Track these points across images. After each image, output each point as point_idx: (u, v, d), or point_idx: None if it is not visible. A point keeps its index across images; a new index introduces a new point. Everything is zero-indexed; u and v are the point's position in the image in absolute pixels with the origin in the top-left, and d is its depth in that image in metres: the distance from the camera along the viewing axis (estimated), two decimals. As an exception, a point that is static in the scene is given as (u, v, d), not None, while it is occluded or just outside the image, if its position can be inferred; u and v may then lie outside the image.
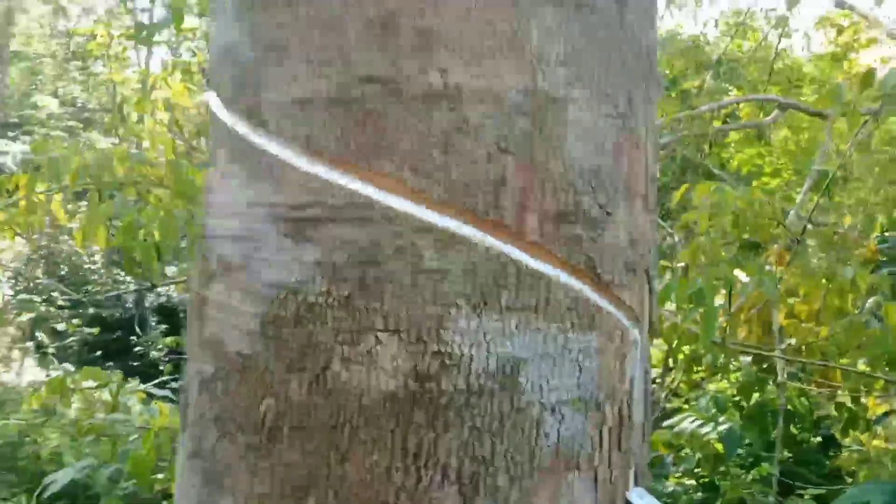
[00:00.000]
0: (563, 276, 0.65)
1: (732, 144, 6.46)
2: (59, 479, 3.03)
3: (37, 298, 9.87)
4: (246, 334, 0.67)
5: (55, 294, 9.21)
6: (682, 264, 2.85)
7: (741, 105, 5.17)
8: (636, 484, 0.78)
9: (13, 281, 9.51)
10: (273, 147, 0.64)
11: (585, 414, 0.67)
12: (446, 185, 0.61)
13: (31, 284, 9.71)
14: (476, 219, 0.62)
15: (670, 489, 3.40)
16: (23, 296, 9.82)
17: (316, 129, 0.63)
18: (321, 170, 0.62)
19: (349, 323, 0.62)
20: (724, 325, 2.66)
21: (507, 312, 0.63)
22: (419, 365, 0.61)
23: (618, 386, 0.70)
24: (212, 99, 0.73)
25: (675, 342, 2.74)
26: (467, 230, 0.61)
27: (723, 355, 2.83)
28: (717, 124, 4.73)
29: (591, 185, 0.66)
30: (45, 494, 3.04)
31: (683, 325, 2.48)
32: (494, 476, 0.63)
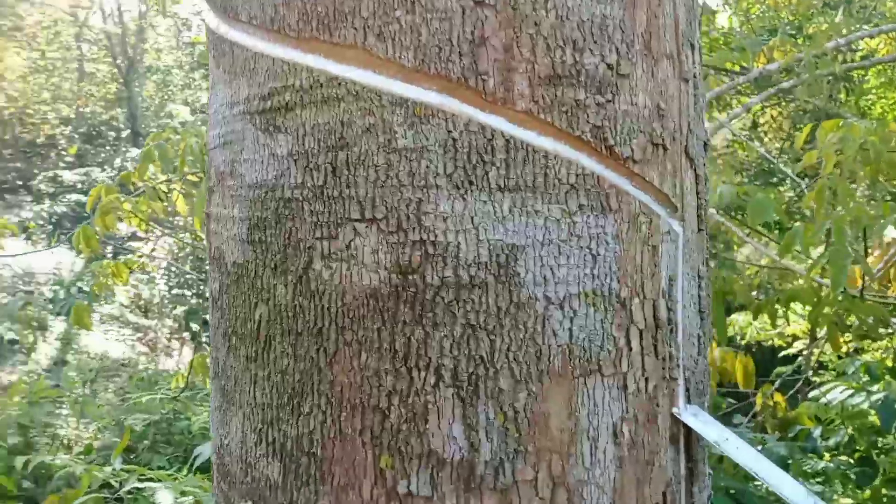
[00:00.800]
0: (565, 150, 0.56)
1: (873, 91, 5.70)
2: (205, 451, 3.30)
3: (187, 292, 10.87)
4: (238, 243, 0.64)
5: (203, 287, 10.08)
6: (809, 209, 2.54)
7: (878, 45, 4.52)
8: (689, 402, 0.67)
9: (166, 277, 10.53)
10: (243, 37, 0.60)
11: (605, 311, 0.58)
12: (416, 50, 0.54)
13: (182, 279, 10.69)
14: (453, 86, 0.54)
15: (821, 466, 3.09)
16: (175, 291, 10.86)
17: (280, 8, 0.58)
18: (285, 51, 0.57)
19: (326, 216, 0.57)
20: (859, 275, 2.34)
21: (498, 193, 0.55)
22: (401, 257, 0.55)
23: (647, 282, 0.60)
24: (205, 10, 0.71)
25: (815, 303, 2.45)
26: (443, 100, 0.54)
27: (871, 318, 2.50)
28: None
29: (594, 39, 0.56)
30: (197, 464, 3.32)
31: (822, 288, 2.21)
32: (496, 378, 0.56)
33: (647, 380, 0.61)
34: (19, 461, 3.34)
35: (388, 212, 0.55)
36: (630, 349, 0.59)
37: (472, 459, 0.56)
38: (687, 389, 0.66)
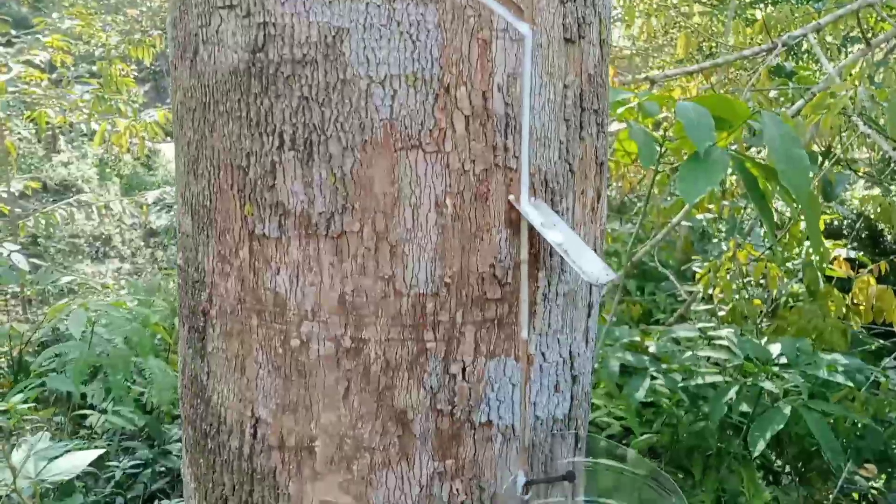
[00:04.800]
0: (385, -60, 0.63)
1: None
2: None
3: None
4: (171, 41, 0.79)
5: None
6: None
7: None
8: (535, 197, 0.74)
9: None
10: None
11: (426, 93, 0.66)
12: None
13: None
14: None
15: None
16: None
17: None
18: None
19: (203, 6, 0.70)
20: None
21: (326, -20, 0.64)
22: (251, 38, 0.67)
23: (477, 73, 0.67)
24: None
25: None
26: None
27: None
28: None
29: None
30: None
31: None
32: (327, 144, 0.67)
33: (473, 162, 0.69)
34: None
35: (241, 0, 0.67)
36: (454, 131, 0.68)
37: (310, 211, 0.69)
38: (532, 185, 0.73)
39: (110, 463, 2.74)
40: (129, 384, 3.26)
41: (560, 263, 0.78)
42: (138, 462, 3.04)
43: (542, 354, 0.78)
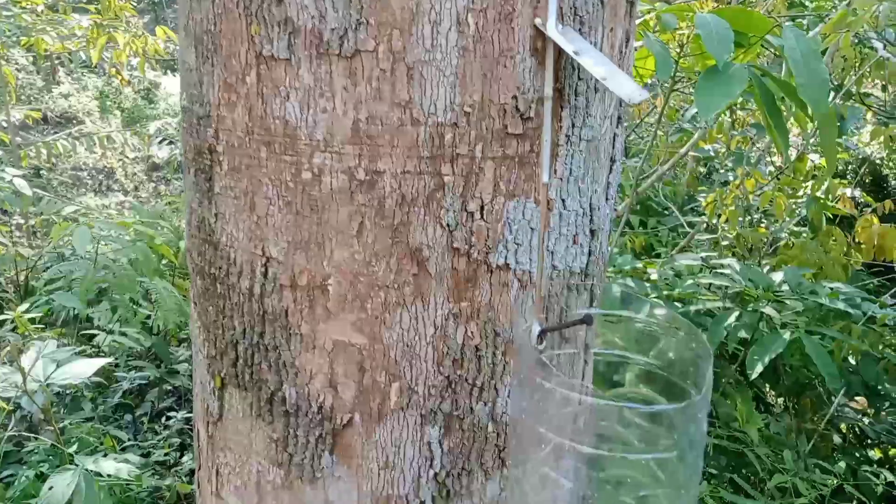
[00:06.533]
0: None
1: None
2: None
3: None
4: None
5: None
6: None
7: None
8: (563, 24, 0.69)
9: None
10: None
11: None
12: None
13: None
14: None
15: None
16: None
17: None
18: None
19: None
20: None
21: None
22: None
23: None
24: None
25: None
26: None
27: None
28: None
29: None
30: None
31: None
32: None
33: (498, -25, 0.64)
34: None
35: None
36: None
37: (321, 27, 0.65)
38: (561, 10, 0.68)
39: (118, 373, 2.76)
40: (134, 307, 3.26)
41: (585, 105, 0.74)
42: (145, 379, 3.07)
43: (563, 201, 0.75)
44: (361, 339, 0.72)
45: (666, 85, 2.57)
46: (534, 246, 0.74)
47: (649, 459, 0.60)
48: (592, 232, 0.80)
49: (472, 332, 0.73)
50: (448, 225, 0.70)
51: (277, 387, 0.75)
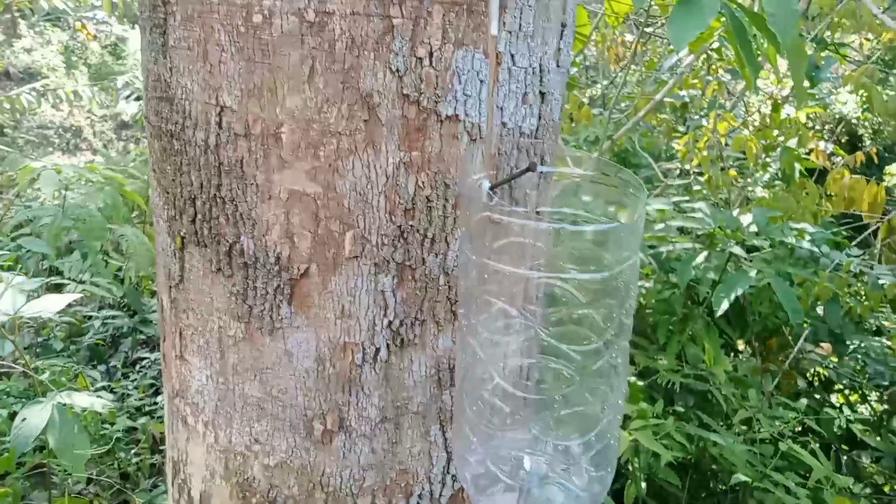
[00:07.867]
0: None
1: None
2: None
3: None
4: None
5: None
6: None
7: None
8: None
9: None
10: None
11: None
12: None
13: None
14: None
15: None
16: None
17: None
18: None
19: None
20: None
21: None
22: None
23: None
24: None
25: None
26: None
27: None
28: None
29: None
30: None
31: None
32: None
33: None
34: None
35: None
36: None
37: None
38: None
39: (90, 319, 2.75)
40: (106, 258, 3.24)
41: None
42: (118, 329, 3.06)
43: (512, 56, 0.77)
44: (316, 188, 0.74)
45: (641, 20, 2.59)
46: (483, 99, 0.76)
47: (582, 279, 0.63)
48: (542, 95, 0.83)
49: (422, 182, 0.76)
50: (398, 70, 0.72)
51: (235, 239, 0.77)
